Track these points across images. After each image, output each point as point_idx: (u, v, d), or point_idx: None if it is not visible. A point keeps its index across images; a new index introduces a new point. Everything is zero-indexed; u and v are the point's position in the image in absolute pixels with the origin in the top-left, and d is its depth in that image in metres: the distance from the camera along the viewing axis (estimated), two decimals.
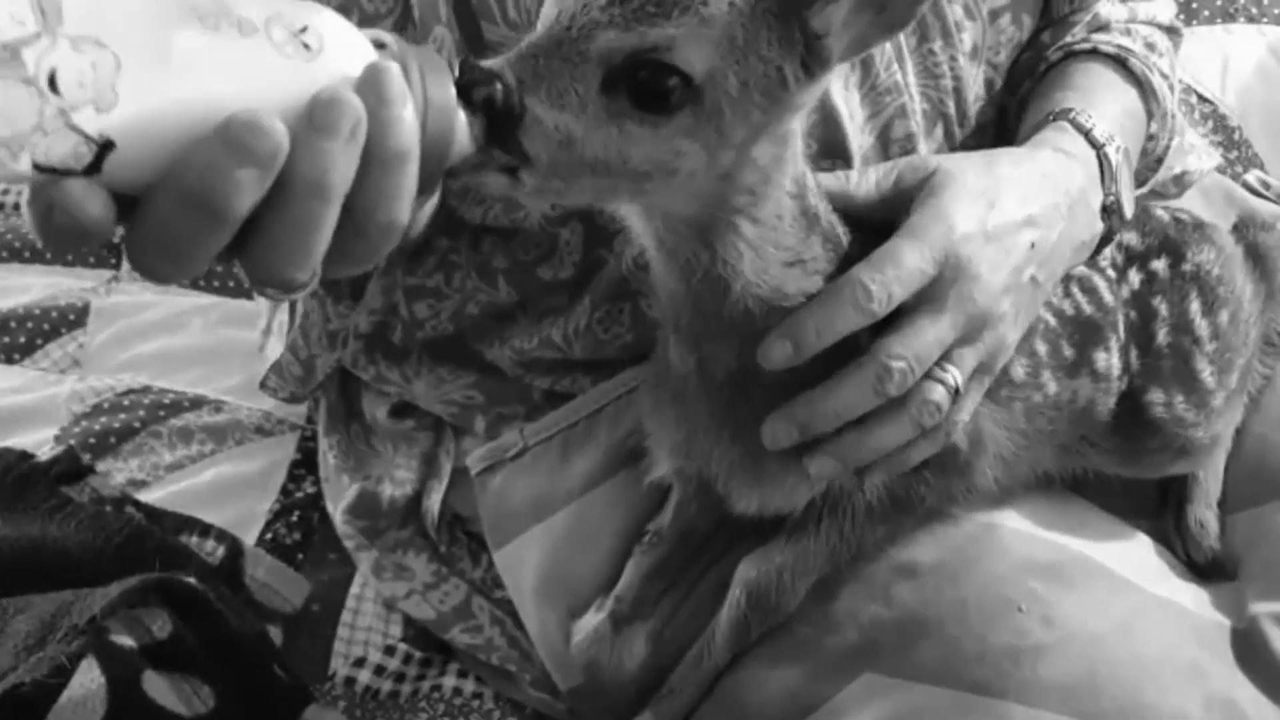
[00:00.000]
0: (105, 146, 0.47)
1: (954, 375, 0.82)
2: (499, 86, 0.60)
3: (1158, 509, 1.06)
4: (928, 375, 0.81)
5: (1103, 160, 0.94)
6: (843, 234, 0.80)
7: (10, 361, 1.43)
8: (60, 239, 0.49)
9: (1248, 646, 0.91)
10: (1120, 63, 1.07)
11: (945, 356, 0.82)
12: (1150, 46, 1.11)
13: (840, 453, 0.82)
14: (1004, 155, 0.91)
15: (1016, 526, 0.93)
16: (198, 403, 1.37)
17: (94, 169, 0.48)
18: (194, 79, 0.49)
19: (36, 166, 0.47)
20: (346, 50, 0.54)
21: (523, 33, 0.68)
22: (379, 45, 0.57)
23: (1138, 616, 0.88)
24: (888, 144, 1.00)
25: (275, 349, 1.20)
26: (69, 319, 1.47)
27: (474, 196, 0.99)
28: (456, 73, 0.59)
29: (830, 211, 0.79)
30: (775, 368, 0.78)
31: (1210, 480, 1.05)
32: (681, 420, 0.87)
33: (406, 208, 0.56)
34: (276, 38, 0.51)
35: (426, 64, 0.56)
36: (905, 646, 0.87)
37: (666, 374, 0.86)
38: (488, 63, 0.62)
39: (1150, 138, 1.10)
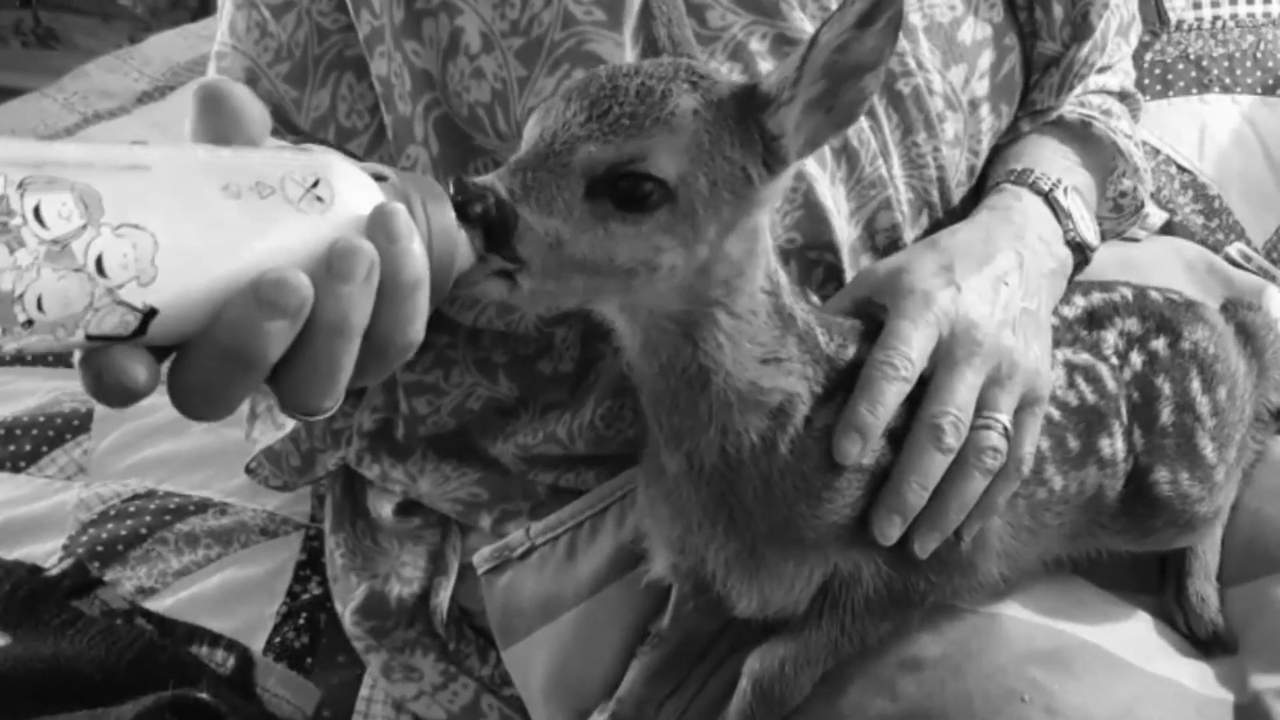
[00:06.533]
0: (149, 314, 0.52)
1: (998, 416, 0.87)
2: (492, 199, 0.64)
3: (1158, 584, 1.06)
4: (975, 426, 0.86)
5: (1053, 203, 1.02)
6: (822, 337, 0.83)
7: (16, 470, 1.44)
8: (112, 398, 0.54)
9: None
10: (1084, 127, 1.15)
11: (983, 405, 0.87)
12: (1106, 112, 1.19)
13: (934, 521, 0.86)
14: (941, 232, 0.98)
15: (1017, 615, 0.94)
16: (203, 506, 1.37)
17: (140, 333, 0.53)
18: (223, 244, 0.54)
19: (89, 337, 0.52)
20: (355, 195, 0.58)
21: (511, 143, 0.72)
22: (380, 178, 0.61)
23: (1139, 700, 0.88)
24: (874, 234, 1.03)
25: (262, 433, 1.20)
26: (73, 424, 1.48)
27: (464, 301, 1.01)
28: (452, 191, 0.63)
29: (808, 313, 0.82)
30: (850, 461, 0.82)
31: (1209, 553, 1.05)
32: (675, 517, 0.88)
33: (422, 328, 0.60)
34: (292, 195, 0.56)
35: (426, 193, 0.61)
36: None
37: (658, 474, 0.87)
38: (480, 179, 0.66)
39: (1122, 194, 1.20)
